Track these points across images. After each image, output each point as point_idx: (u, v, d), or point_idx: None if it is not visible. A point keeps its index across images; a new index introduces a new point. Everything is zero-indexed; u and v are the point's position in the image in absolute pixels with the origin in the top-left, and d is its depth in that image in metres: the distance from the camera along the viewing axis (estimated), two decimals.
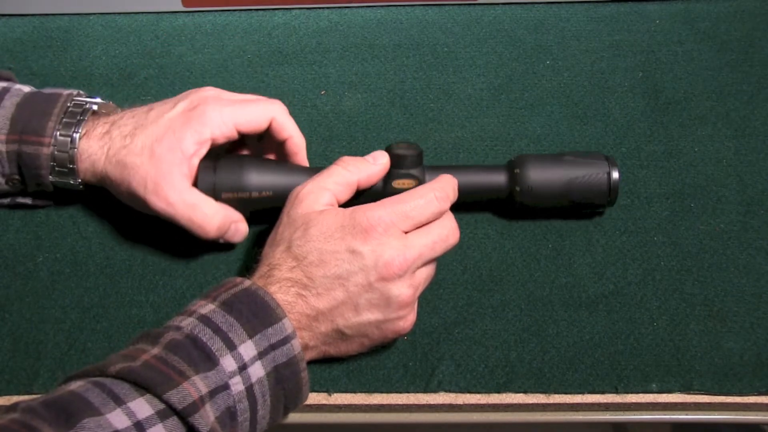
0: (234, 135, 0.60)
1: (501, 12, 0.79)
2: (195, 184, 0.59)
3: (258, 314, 0.51)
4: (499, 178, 0.62)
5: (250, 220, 0.62)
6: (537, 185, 0.61)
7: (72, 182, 0.61)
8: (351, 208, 0.55)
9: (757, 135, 0.71)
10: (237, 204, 0.60)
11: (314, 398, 0.59)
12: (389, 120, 0.72)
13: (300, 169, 0.62)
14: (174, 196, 0.58)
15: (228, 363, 0.49)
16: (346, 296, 0.54)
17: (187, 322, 0.51)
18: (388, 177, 0.60)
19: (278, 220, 0.58)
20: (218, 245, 0.63)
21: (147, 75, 0.75)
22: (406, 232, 0.55)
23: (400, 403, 0.59)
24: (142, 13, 0.79)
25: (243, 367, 0.50)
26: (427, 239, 0.55)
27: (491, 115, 0.72)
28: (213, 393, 0.48)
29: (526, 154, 0.63)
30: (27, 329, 0.62)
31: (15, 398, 0.59)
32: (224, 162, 0.60)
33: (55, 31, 0.78)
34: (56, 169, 0.61)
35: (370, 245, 0.53)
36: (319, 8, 0.79)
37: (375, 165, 0.59)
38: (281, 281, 0.54)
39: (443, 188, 0.57)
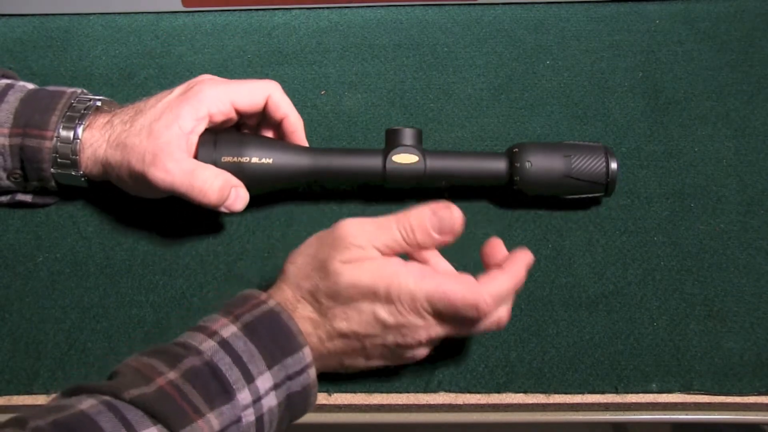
0: (231, 113, 0.61)
1: (501, 12, 0.79)
2: (195, 158, 0.60)
3: (279, 341, 0.50)
4: (499, 163, 0.63)
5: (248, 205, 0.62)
6: (536, 165, 0.62)
7: (74, 173, 0.62)
8: (389, 273, 0.51)
9: (757, 135, 0.71)
10: (237, 171, 0.60)
11: None
12: (389, 120, 0.72)
13: (300, 148, 0.62)
14: (172, 164, 0.58)
15: (244, 396, 0.49)
16: (360, 348, 0.53)
17: (208, 346, 0.49)
18: (388, 153, 0.61)
19: (312, 241, 0.54)
20: (217, 223, 0.63)
21: (147, 75, 0.75)
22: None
23: (400, 403, 0.59)
24: (142, 13, 0.79)
25: (257, 400, 0.49)
26: (457, 329, 0.53)
27: (491, 115, 0.72)
28: (224, 429, 0.48)
29: (525, 143, 0.64)
30: (27, 329, 0.62)
31: (15, 398, 0.59)
32: (224, 135, 0.61)
33: (55, 31, 0.78)
34: (58, 160, 0.61)
35: (397, 319, 0.51)
36: (319, 8, 0.79)
37: (436, 238, 0.53)
38: (303, 319, 0.53)
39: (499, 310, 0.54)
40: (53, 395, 0.59)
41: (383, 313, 0.51)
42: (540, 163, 0.62)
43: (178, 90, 0.61)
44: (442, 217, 0.53)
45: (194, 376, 0.48)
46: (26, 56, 0.76)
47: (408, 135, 0.62)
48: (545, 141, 0.70)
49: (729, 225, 0.66)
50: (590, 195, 0.64)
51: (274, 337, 0.50)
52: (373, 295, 0.51)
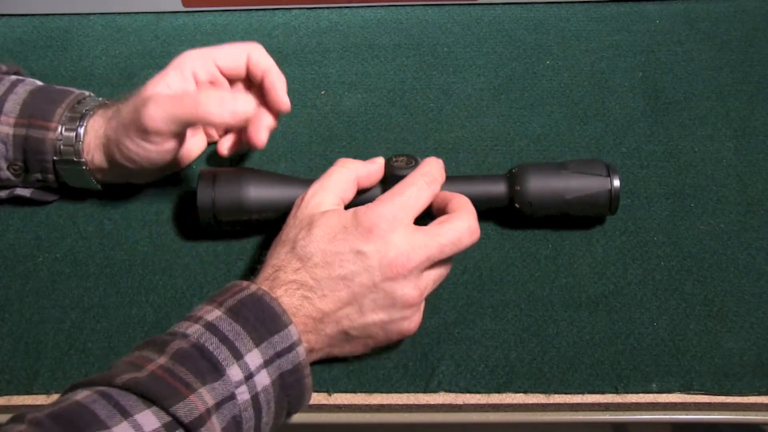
0: (216, 73, 0.63)
1: (501, 12, 0.79)
2: (195, 198, 0.60)
3: (264, 321, 0.51)
4: (499, 189, 0.62)
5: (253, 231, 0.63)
6: (536, 200, 0.61)
7: (75, 159, 0.62)
8: (352, 209, 0.55)
9: (757, 135, 0.71)
10: (236, 209, 0.61)
11: (314, 398, 0.59)
12: (389, 120, 0.72)
13: (300, 182, 0.62)
14: (164, 97, 0.58)
15: (234, 373, 0.49)
16: (350, 297, 0.54)
17: (194, 330, 0.50)
18: (386, 185, 0.60)
19: (285, 224, 0.58)
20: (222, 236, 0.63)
21: (147, 75, 0.74)
22: (414, 224, 0.55)
23: (400, 403, 0.59)
24: (142, 13, 0.79)
25: (249, 377, 0.50)
26: (435, 241, 0.54)
27: (491, 115, 0.72)
28: (219, 404, 0.48)
29: (525, 165, 0.63)
30: (27, 329, 0.62)
31: (15, 398, 0.59)
32: (223, 177, 0.61)
33: (55, 31, 0.78)
34: (61, 147, 0.61)
35: (374, 244, 0.53)
36: (319, 8, 0.79)
37: (373, 164, 0.60)
38: (287, 284, 0.54)
39: (429, 172, 0.58)
40: (53, 395, 0.59)
41: (360, 243, 0.53)
42: (540, 200, 0.61)
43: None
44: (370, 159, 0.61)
45: (183, 357, 0.48)
46: (26, 56, 0.76)
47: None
48: (546, 141, 0.70)
49: (729, 225, 0.66)
50: (593, 214, 0.63)
51: (259, 317, 0.51)
52: (344, 229, 0.54)
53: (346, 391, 0.59)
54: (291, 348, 0.51)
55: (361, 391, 0.59)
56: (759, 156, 0.70)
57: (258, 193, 0.61)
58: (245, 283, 0.53)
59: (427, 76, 0.75)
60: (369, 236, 0.53)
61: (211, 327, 0.50)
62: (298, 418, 0.58)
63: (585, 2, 0.79)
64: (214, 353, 0.49)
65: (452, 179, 0.62)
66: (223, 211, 0.61)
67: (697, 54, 0.76)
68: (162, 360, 0.48)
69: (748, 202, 0.67)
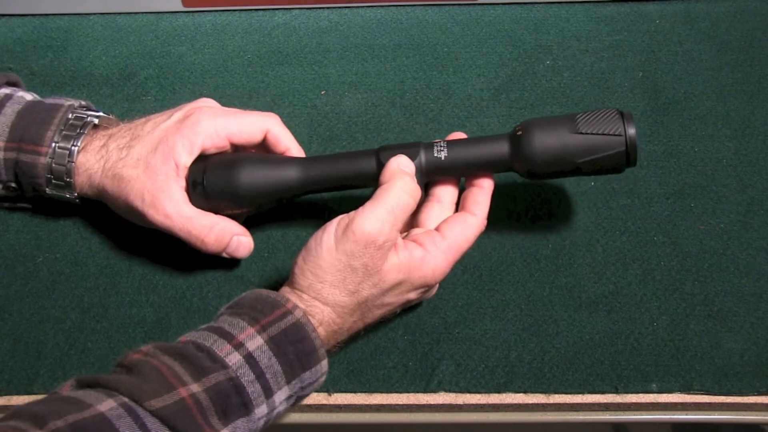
0: (226, 145, 0.60)
1: (501, 12, 0.79)
2: (186, 191, 0.59)
3: (301, 357, 0.51)
4: (502, 145, 0.57)
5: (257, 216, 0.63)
6: (542, 165, 0.56)
7: (68, 196, 0.61)
8: (417, 263, 0.54)
9: (757, 135, 0.71)
10: (228, 192, 0.58)
11: (314, 398, 0.59)
12: (389, 120, 0.72)
13: (295, 162, 0.59)
14: (171, 208, 0.58)
15: (261, 411, 0.50)
16: (381, 315, 0.56)
17: (234, 360, 0.49)
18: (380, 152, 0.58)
19: (341, 249, 0.52)
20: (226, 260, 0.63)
21: (147, 75, 0.75)
22: None
23: (400, 403, 0.59)
24: (142, 13, 0.79)
25: (271, 411, 0.51)
26: (459, 253, 0.56)
27: (491, 115, 0.72)
28: None
29: (530, 122, 0.57)
30: (27, 329, 0.62)
31: (15, 398, 0.59)
32: (214, 162, 0.59)
33: (55, 31, 0.78)
34: (53, 182, 0.60)
35: (423, 295, 0.57)
36: (319, 8, 0.79)
37: (417, 184, 0.56)
38: (341, 333, 0.55)
39: (483, 223, 0.57)
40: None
41: (413, 295, 0.56)
42: (547, 166, 0.56)
43: (175, 116, 0.60)
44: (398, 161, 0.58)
45: (217, 393, 0.48)
46: (26, 56, 0.76)
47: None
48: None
49: (729, 225, 0.66)
50: (609, 165, 0.56)
51: (298, 354, 0.51)
52: (401, 283, 0.54)
53: (346, 391, 0.59)
54: (315, 381, 0.53)
55: (361, 391, 0.59)
56: (759, 156, 0.70)
57: (253, 182, 0.58)
58: (290, 303, 0.52)
59: (427, 76, 0.75)
60: (425, 288, 0.56)
61: (250, 360, 0.50)
62: (299, 418, 0.59)
63: (585, 2, 0.79)
64: (248, 390, 0.49)
65: (453, 143, 0.58)
66: (215, 194, 0.58)
67: (697, 54, 0.76)
68: (195, 388, 0.48)
69: (748, 202, 0.67)
